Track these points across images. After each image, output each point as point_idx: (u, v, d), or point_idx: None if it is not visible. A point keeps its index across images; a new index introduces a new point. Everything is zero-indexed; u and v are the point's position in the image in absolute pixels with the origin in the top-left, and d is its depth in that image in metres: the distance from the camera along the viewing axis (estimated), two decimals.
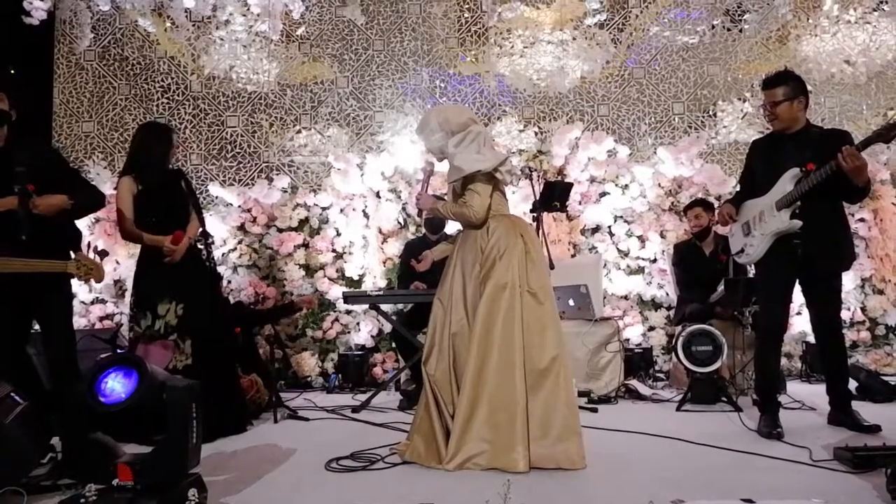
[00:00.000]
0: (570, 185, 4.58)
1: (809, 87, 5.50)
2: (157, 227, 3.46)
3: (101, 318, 5.43)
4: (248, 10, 5.76)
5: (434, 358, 2.82)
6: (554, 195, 4.33)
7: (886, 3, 5.64)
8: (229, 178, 5.73)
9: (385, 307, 4.60)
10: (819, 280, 3.23)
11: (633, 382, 4.50)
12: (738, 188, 3.69)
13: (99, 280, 2.96)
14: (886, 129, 2.94)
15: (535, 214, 4.19)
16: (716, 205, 5.12)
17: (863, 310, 5.27)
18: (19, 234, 2.72)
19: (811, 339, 5.05)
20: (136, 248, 5.41)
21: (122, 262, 5.50)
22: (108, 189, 5.45)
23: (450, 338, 2.79)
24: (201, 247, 3.56)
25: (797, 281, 3.30)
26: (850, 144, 3.04)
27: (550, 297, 2.79)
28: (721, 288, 4.21)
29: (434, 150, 2.96)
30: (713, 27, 5.81)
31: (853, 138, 3.18)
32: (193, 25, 5.80)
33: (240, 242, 5.52)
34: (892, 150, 5.47)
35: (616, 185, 5.48)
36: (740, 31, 5.80)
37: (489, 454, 2.60)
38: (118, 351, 3.89)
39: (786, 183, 3.19)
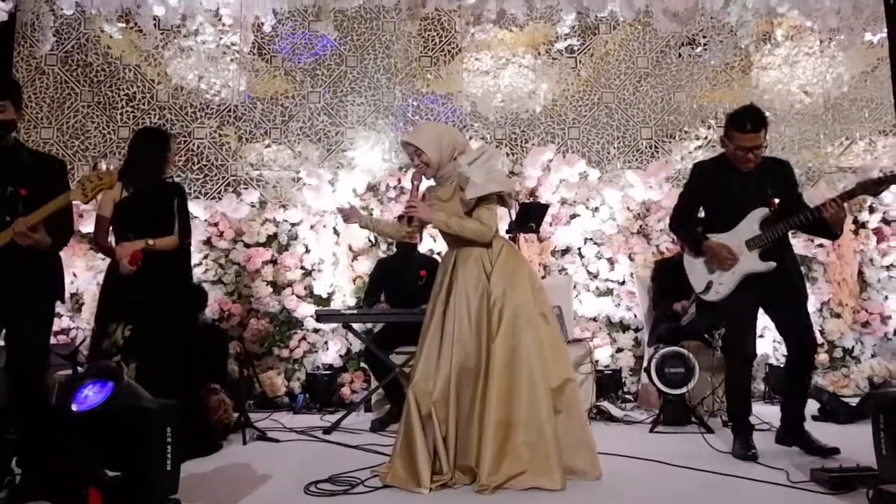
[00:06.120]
0: (546, 206, 4.62)
1: (771, 117, 5.78)
2: (136, 237, 3.33)
3: (56, 333, 5.20)
4: (220, 20, 5.67)
5: (429, 378, 2.76)
6: (529, 216, 4.37)
7: (840, 34, 5.91)
8: (195, 190, 5.58)
9: (356, 326, 4.52)
10: (790, 302, 3.27)
11: (605, 404, 4.52)
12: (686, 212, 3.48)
13: (111, 186, 2.77)
14: (874, 184, 3.04)
15: (511, 235, 4.20)
16: None
17: (821, 332, 5.42)
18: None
19: (773, 361, 5.19)
20: (94, 262, 5.28)
21: (80, 274, 5.29)
22: None
23: (452, 355, 2.75)
24: None
25: (763, 308, 3.34)
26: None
27: (554, 317, 2.86)
28: (692, 310, 4.28)
29: (436, 162, 2.88)
30: (680, 56, 5.97)
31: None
32: (161, 34, 5.68)
33: (205, 257, 5.37)
34: (848, 179, 5.69)
35: (587, 207, 5.54)
36: (702, 59, 5.97)
37: (528, 475, 2.61)
38: (78, 368, 3.72)
39: (753, 222, 3.19)
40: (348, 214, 3.22)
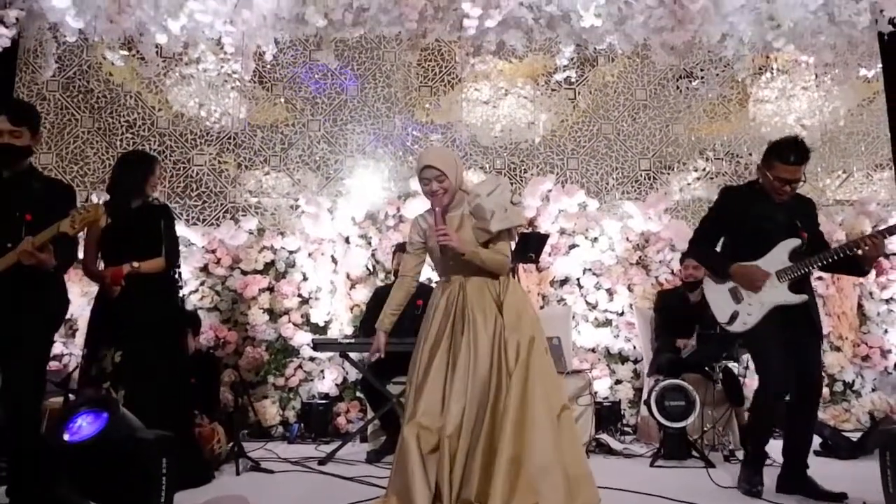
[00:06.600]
0: (546, 236, 4.61)
1: None
2: (125, 261, 3.30)
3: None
4: (221, 48, 5.70)
5: (434, 412, 2.67)
6: (529, 246, 4.35)
7: (835, 68, 5.98)
8: (193, 217, 5.57)
9: (354, 356, 4.46)
10: (807, 342, 3.16)
11: (604, 437, 4.46)
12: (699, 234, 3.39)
13: (97, 219, 2.73)
14: None
15: (510, 266, 4.17)
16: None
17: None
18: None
19: None
20: (90, 287, 5.23)
21: (74, 300, 5.21)
22: None
23: (468, 387, 2.66)
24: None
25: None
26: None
27: (548, 350, 2.82)
28: (692, 342, 4.24)
29: (454, 188, 2.81)
30: (678, 88, 6.03)
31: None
32: (164, 61, 5.71)
33: (202, 284, 5.33)
34: (846, 212, 5.71)
35: (586, 237, 5.53)
36: (699, 92, 6.02)
37: None
38: (70, 395, 3.66)
39: (783, 253, 3.11)
40: (378, 348, 3.04)
